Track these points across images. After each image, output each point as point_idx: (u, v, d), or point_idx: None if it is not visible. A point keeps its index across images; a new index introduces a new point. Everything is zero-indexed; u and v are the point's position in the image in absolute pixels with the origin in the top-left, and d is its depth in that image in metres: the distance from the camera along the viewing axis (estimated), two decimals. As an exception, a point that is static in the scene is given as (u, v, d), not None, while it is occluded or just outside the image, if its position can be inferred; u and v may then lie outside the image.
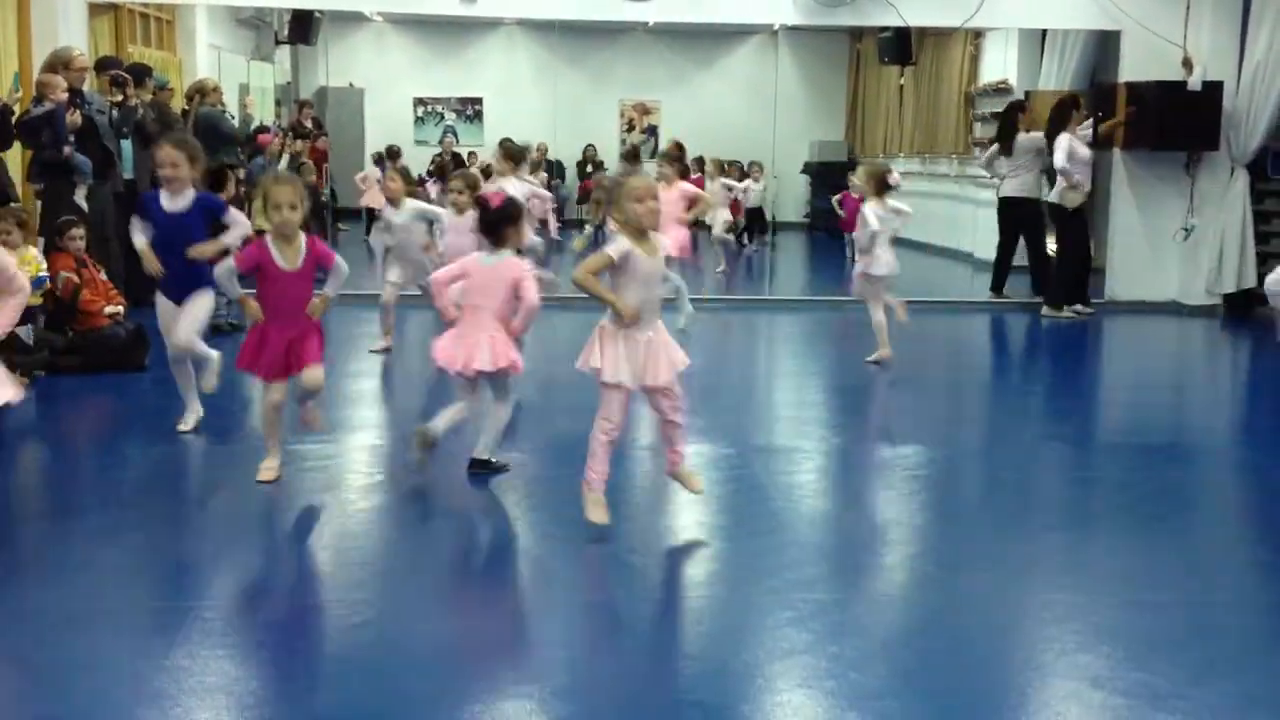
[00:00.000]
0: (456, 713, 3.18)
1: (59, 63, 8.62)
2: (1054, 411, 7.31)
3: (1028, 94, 12.79)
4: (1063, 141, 10.45)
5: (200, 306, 5.88)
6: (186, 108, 11.23)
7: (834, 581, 4.24)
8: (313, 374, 5.11)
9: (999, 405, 7.71)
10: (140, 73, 10.10)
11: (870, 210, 7.80)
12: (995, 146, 11.55)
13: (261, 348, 5.10)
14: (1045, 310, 10.79)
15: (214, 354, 6.01)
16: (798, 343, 9.89)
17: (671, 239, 7.72)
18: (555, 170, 20.22)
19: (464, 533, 4.72)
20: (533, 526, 4.89)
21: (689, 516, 5.02)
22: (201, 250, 5.70)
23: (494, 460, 5.41)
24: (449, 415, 5.37)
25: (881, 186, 7.86)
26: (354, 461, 5.82)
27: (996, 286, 11.60)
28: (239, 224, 5.98)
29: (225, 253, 5.61)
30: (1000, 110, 14.00)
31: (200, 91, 11.08)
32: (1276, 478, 5.76)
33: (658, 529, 4.89)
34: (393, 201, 8.21)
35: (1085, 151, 10.54)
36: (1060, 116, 10.69)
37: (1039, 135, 10.94)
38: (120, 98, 9.25)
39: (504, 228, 5.25)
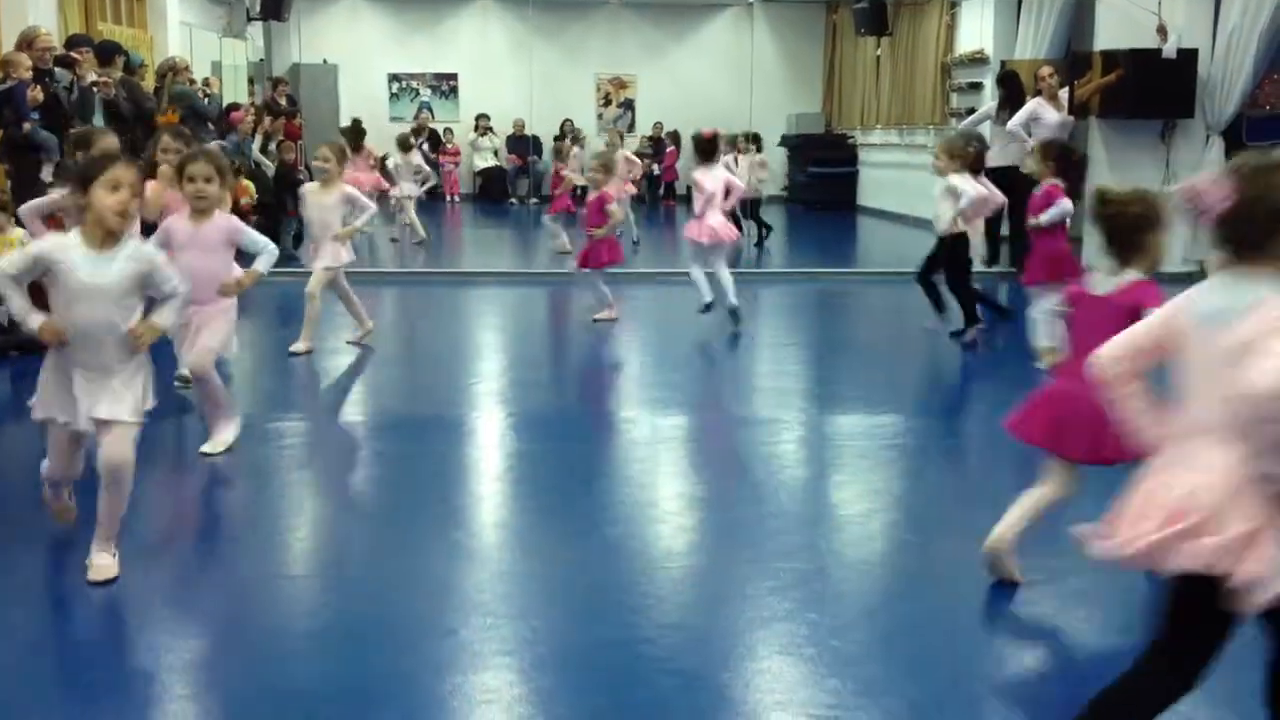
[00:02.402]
0: (437, 685, 3.18)
1: (23, 41, 8.64)
2: (1030, 379, 7.33)
3: (1004, 63, 12.79)
4: (1029, 105, 10.50)
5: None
6: (158, 85, 11.15)
7: (813, 550, 4.25)
8: None
9: (976, 374, 7.72)
10: (110, 50, 10.01)
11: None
12: (991, 106, 11.49)
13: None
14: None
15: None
16: (776, 314, 9.89)
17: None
18: (533, 145, 20.15)
19: (444, 506, 4.71)
20: (512, 499, 4.89)
21: (670, 488, 5.03)
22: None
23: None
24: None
25: None
26: (331, 438, 5.80)
27: (990, 258, 11.55)
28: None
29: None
30: (980, 79, 13.99)
31: (173, 69, 11.02)
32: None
33: (638, 500, 4.89)
34: None
35: (1052, 117, 10.53)
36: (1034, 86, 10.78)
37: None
38: (71, 78, 9.17)
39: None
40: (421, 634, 3.50)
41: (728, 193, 8.54)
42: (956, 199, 7.57)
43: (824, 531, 4.51)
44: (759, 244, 14.06)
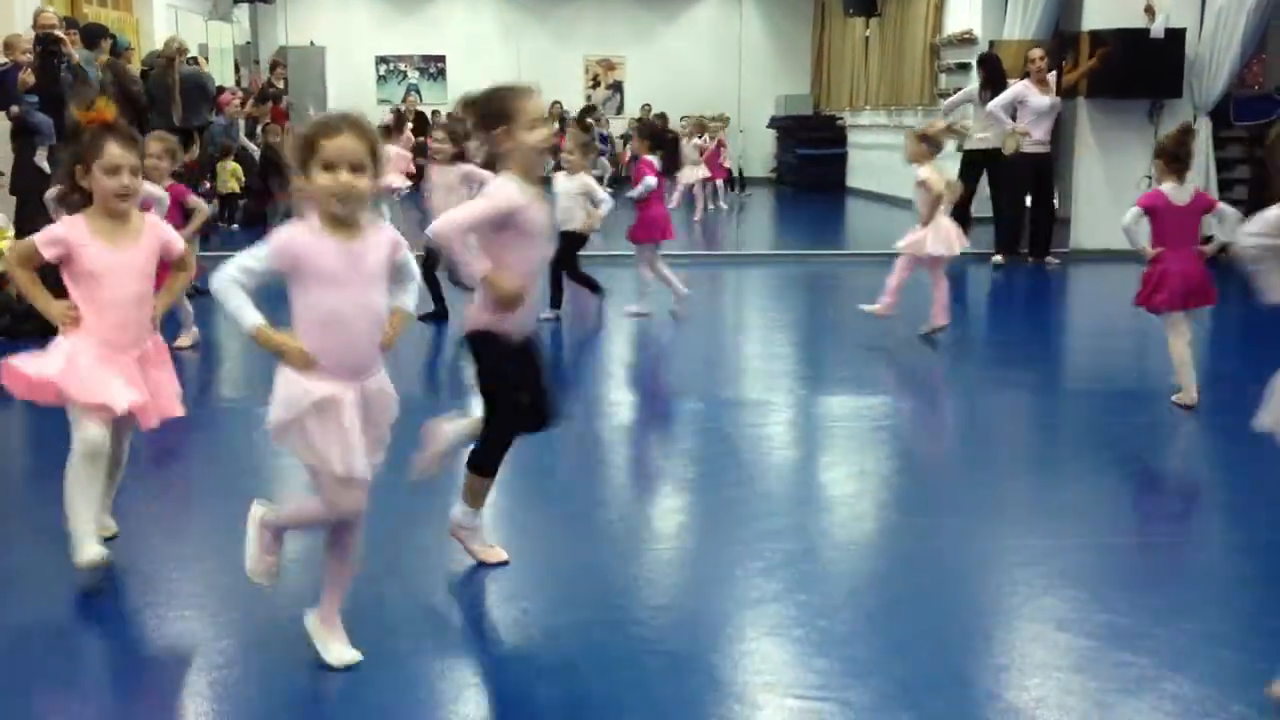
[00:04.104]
0: (427, 666, 3.19)
1: (32, 23, 8.75)
2: (1019, 359, 7.36)
3: (992, 44, 12.78)
4: (1015, 88, 10.52)
5: None
6: (144, 67, 11.10)
7: (802, 531, 4.26)
8: None
9: (964, 354, 7.74)
10: (96, 33, 9.97)
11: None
12: (973, 88, 11.46)
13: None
14: (997, 259, 10.87)
15: None
16: (765, 297, 9.89)
17: None
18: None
19: (432, 488, 4.71)
20: (500, 481, 4.88)
21: (658, 469, 5.03)
22: None
23: None
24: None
25: None
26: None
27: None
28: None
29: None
30: (969, 60, 13.93)
31: (180, 51, 11.02)
32: (1238, 423, 5.82)
33: (627, 482, 4.89)
34: None
35: (1040, 100, 10.53)
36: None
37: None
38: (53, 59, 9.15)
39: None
40: (411, 616, 3.50)
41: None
42: (592, 200, 7.71)
43: (812, 512, 4.52)
44: None
